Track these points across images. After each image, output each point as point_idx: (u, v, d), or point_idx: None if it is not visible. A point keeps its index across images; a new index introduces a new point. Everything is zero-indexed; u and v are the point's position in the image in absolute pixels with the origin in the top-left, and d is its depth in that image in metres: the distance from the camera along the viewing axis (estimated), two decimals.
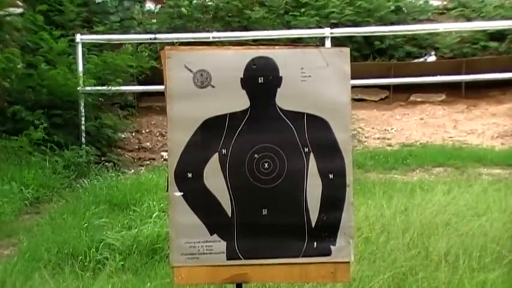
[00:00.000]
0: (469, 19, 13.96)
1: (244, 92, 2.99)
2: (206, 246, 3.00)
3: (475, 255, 5.30)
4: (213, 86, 2.97)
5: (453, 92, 12.87)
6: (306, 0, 13.70)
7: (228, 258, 3.01)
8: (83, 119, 10.22)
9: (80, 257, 5.69)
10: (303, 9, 13.48)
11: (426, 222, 6.09)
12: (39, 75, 9.95)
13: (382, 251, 5.42)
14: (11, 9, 10.91)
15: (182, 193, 2.98)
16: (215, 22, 13.18)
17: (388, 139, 11.32)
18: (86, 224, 6.50)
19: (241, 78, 2.98)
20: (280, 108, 3.00)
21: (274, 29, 12.49)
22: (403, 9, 14.36)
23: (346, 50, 3.09)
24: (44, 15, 11.26)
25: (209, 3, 13.57)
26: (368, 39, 13.42)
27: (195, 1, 13.63)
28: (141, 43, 12.03)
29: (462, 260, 5.20)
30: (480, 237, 5.68)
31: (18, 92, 9.87)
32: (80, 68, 10.49)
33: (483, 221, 6.08)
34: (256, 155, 2.99)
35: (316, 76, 3.00)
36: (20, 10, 11.26)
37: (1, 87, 9.91)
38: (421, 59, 13.70)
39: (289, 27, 13.03)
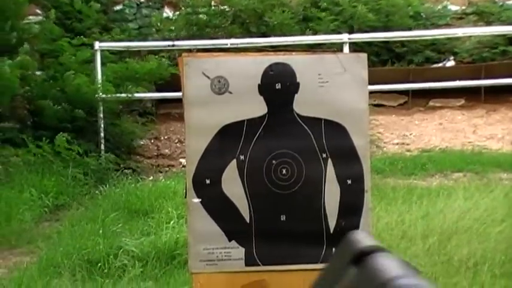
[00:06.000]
0: (488, 23, 13.87)
1: (261, 98, 2.99)
2: (225, 252, 2.99)
3: (496, 261, 5.27)
4: (231, 93, 2.97)
5: (472, 96, 12.78)
6: (325, 5, 13.67)
7: (247, 265, 3.00)
8: (102, 126, 10.26)
9: (99, 264, 5.71)
10: (323, 14, 13.44)
11: (447, 227, 6.06)
12: (62, 82, 10.00)
13: (403, 257, 5.39)
14: (31, 17, 10.98)
15: (200, 199, 2.98)
16: (233, 28, 13.18)
17: (407, 144, 11.27)
18: (104, 231, 6.52)
19: (259, 85, 2.98)
20: (298, 114, 2.99)
21: (292, 34, 12.47)
22: (422, 14, 14.29)
23: (364, 56, 3.09)
24: (63, 23, 11.34)
25: (227, 9, 13.57)
26: (387, 45, 13.37)
27: (213, 7, 13.65)
28: (160, 50, 12.06)
29: (484, 266, 5.17)
30: (502, 243, 5.65)
31: (39, 100, 9.92)
32: (99, 75, 10.53)
33: (504, 226, 6.04)
34: (274, 161, 2.98)
35: (333, 82, 3.00)
36: (39, 18, 11.33)
37: (21, 96, 9.96)
38: (440, 64, 13.63)
39: (308, 33, 13.01)
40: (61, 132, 9.22)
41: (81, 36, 10.90)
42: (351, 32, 12.35)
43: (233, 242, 2.99)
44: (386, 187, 8.09)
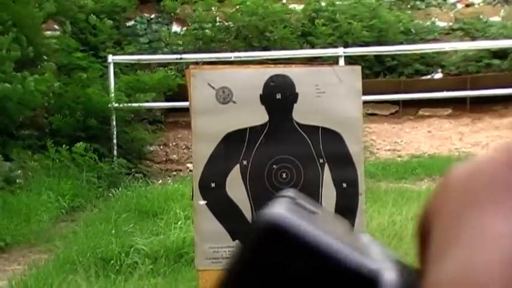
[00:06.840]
0: (473, 38, 13.88)
1: (263, 107, 2.99)
2: (229, 251, 2.99)
3: None
4: (234, 102, 2.97)
5: (459, 106, 12.78)
6: (323, 21, 13.67)
7: None
8: (114, 133, 10.26)
9: (112, 262, 5.71)
10: (320, 30, 13.43)
11: None
12: (75, 93, 10.04)
13: (395, 254, 5.38)
14: (49, 33, 11.00)
15: (206, 202, 2.97)
16: (237, 43, 13.19)
17: (398, 150, 11.27)
18: (117, 231, 6.52)
19: (261, 95, 2.98)
20: (297, 122, 2.99)
21: (292, 48, 12.47)
22: (412, 30, 14.31)
23: (358, 68, 3.09)
24: (79, 37, 11.38)
25: (231, 25, 13.59)
26: (379, 58, 13.37)
27: (218, 24, 13.66)
28: (169, 63, 12.08)
29: None
30: None
31: (56, 109, 9.95)
32: (112, 86, 10.55)
33: None
34: (274, 166, 2.98)
35: (330, 92, 2.99)
36: (57, 33, 11.35)
37: (40, 106, 9.99)
38: (429, 76, 13.64)
39: (307, 47, 13.02)
40: (81, 142, 9.24)
41: (92, 50, 10.95)
42: (346, 46, 12.36)
43: (237, 241, 2.98)
44: (379, 190, 8.08)
